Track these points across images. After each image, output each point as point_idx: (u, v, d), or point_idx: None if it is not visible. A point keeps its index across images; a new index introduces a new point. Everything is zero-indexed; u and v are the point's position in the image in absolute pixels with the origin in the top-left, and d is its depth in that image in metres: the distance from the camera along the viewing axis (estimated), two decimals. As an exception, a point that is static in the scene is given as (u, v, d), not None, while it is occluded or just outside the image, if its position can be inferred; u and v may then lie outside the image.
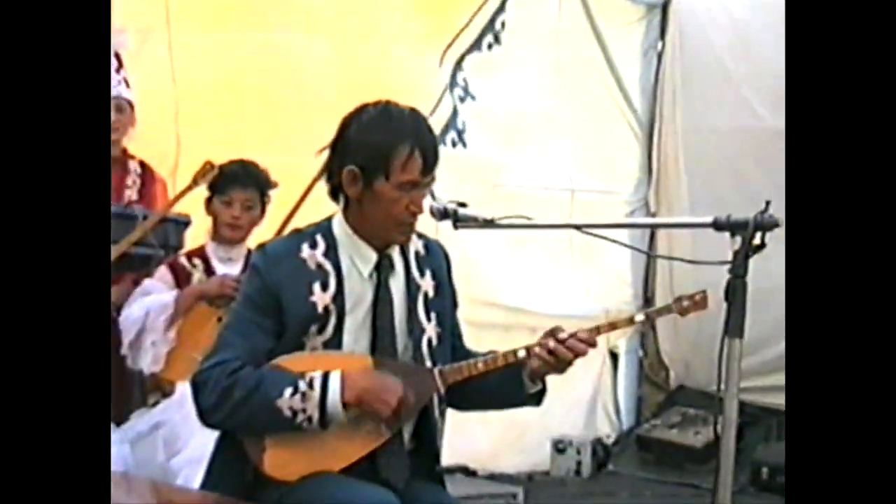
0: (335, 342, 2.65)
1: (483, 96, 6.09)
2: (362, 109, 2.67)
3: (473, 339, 2.95)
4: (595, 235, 2.59)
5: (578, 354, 2.67)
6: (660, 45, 7.08)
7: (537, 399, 2.81)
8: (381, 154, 2.59)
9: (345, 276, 2.67)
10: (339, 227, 2.71)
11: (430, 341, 2.74)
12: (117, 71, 4.57)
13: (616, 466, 6.56)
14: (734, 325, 2.24)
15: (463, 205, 2.65)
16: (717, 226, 2.29)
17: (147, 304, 3.96)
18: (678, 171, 6.92)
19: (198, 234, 4.32)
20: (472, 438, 6.03)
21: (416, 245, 2.80)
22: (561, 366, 2.68)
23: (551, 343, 2.66)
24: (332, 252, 2.68)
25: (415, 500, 2.66)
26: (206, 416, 2.62)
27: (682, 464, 6.28)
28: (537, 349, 2.67)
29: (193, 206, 4.30)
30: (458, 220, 2.64)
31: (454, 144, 5.91)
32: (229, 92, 5.12)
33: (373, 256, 2.70)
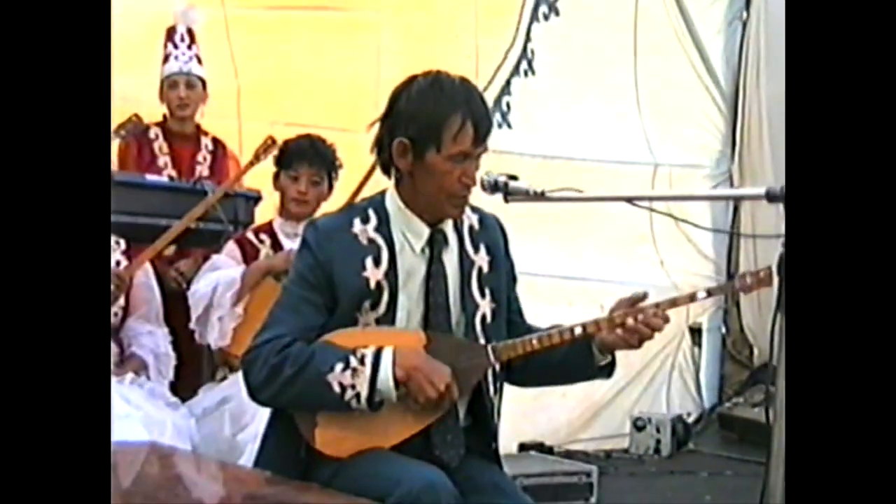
0: (388, 318, 2.61)
1: (558, 68, 6.00)
2: (412, 80, 2.61)
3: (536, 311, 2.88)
4: (646, 209, 2.51)
5: (657, 330, 2.59)
6: (744, 14, 6.91)
7: (608, 372, 2.74)
8: (431, 125, 2.53)
9: (397, 251, 2.62)
10: (391, 202, 2.66)
11: (483, 317, 2.68)
12: (189, 47, 4.60)
13: (697, 445, 6.49)
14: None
15: (514, 177, 2.56)
16: (770, 197, 2.19)
17: (215, 280, 3.97)
18: (762, 144, 6.78)
19: (268, 210, 4.33)
20: (550, 415, 5.99)
21: (470, 219, 2.74)
22: (639, 344, 2.61)
23: (630, 321, 2.58)
24: (384, 227, 2.64)
25: (469, 478, 2.60)
26: (256, 393, 2.60)
27: (766, 443, 6.14)
28: (606, 323, 2.59)
29: (264, 181, 4.31)
30: (509, 194, 2.55)
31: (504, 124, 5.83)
32: (291, 69, 5.11)
33: (425, 231, 2.64)
